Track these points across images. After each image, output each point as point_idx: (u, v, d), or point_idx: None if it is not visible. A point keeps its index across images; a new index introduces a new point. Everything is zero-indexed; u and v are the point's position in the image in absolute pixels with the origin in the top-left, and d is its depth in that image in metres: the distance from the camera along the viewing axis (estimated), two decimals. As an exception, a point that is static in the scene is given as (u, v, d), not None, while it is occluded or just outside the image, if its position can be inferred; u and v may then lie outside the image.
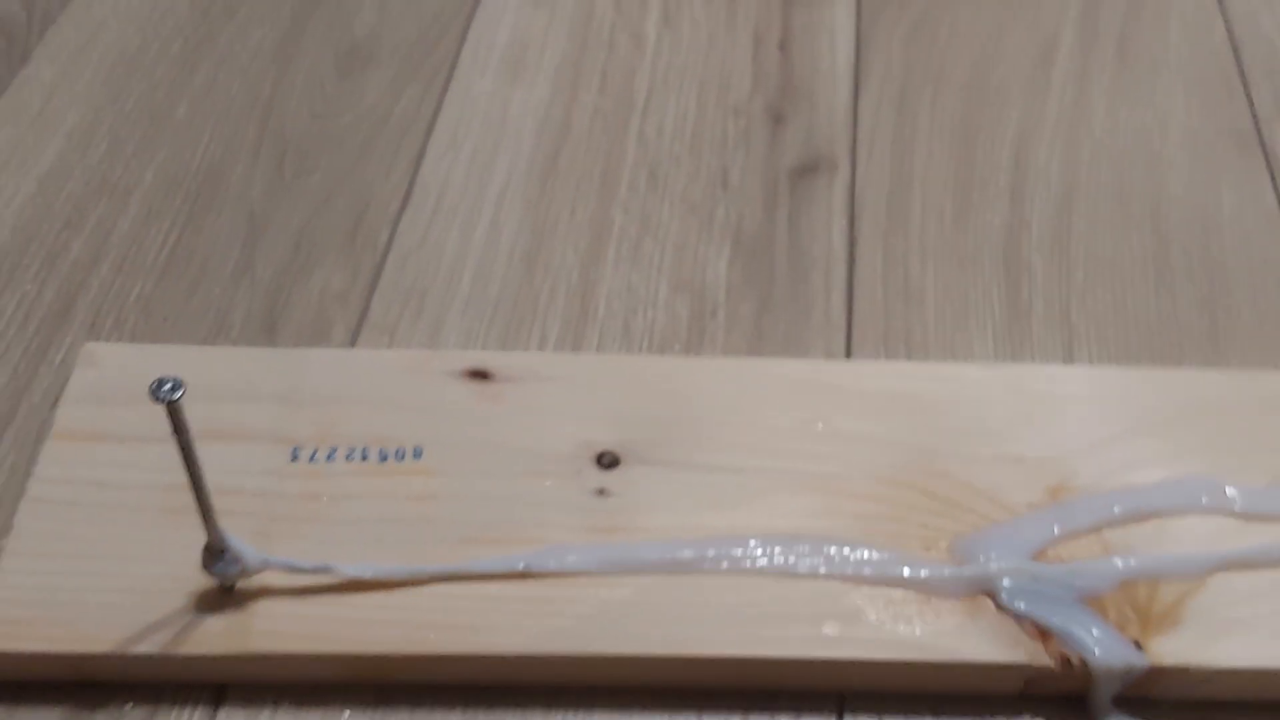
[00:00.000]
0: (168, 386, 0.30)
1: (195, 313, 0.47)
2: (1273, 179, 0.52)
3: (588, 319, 0.47)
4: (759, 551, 0.38)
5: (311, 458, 0.40)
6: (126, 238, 0.49)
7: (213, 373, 0.42)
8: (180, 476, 0.38)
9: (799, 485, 0.40)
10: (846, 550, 0.38)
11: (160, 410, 0.41)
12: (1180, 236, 0.50)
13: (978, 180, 0.53)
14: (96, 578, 0.37)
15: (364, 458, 0.40)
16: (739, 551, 0.38)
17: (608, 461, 0.41)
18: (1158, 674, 0.36)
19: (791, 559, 0.38)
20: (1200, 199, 0.52)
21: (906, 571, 0.38)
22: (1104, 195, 0.52)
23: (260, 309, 0.47)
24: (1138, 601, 0.37)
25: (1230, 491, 0.40)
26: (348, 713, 0.37)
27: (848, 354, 0.46)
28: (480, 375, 0.43)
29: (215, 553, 0.35)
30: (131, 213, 0.50)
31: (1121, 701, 0.37)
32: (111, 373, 0.42)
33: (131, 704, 0.37)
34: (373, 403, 0.42)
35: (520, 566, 0.38)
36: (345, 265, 0.48)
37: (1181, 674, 0.36)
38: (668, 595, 0.38)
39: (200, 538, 0.36)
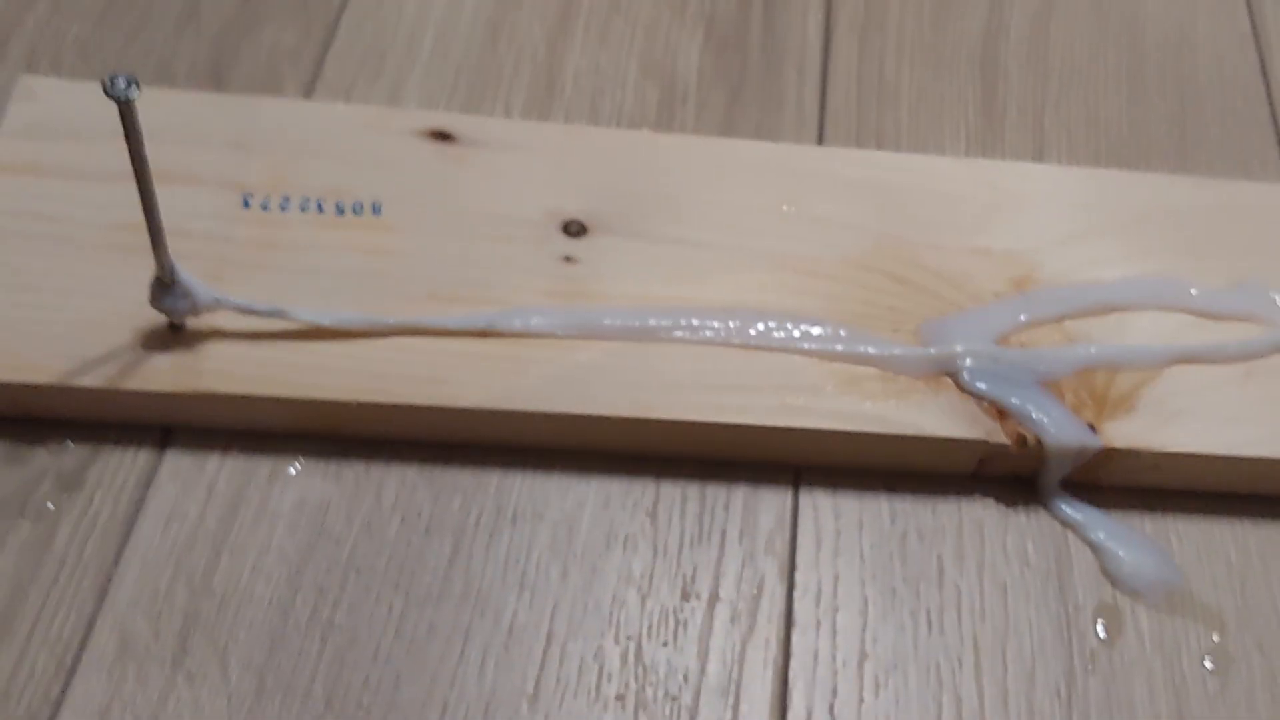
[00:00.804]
0: (123, 82, 0.28)
1: (136, 59, 0.44)
2: (1248, 1, 0.52)
3: (553, 95, 0.46)
4: (727, 323, 0.38)
5: (264, 205, 0.38)
6: (62, -25, 0.46)
7: (159, 114, 0.39)
8: (128, 214, 0.36)
9: (768, 263, 0.40)
10: (813, 326, 0.38)
11: (104, 147, 0.39)
12: (1155, 53, 0.50)
13: (957, -16, 0.51)
14: (38, 310, 0.35)
15: (320, 209, 0.39)
16: (706, 322, 0.38)
17: (575, 230, 0.40)
18: (1108, 456, 0.37)
19: (758, 332, 0.38)
20: (1177, 17, 0.51)
21: (872, 349, 0.38)
22: (1083, 8, 0.51)
23: (206, 61, 0.44)
24: (1094, 388, 0.38)
25: (1190, 290, 0.40)
26: (299, 462, 0.36)
27: (819, 145, 0.45)
28: (443, 136, 0.41)
29: (164, 285, 0.34)
30: (67, -49, 0.46)
31: (1069, 484, 0.38)
32: (50, 108, 0.40)
33: (72, 441, 0.36)
34: (329, 155, 0.40)
35: (484, 324, 0.37)
36: (297, 21, 0.46)
37: (1131, 456, 0.37)
38: (633, 361, 0.37)
39: (148, 277, 0.35)
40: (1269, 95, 0.49)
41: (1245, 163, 0.47)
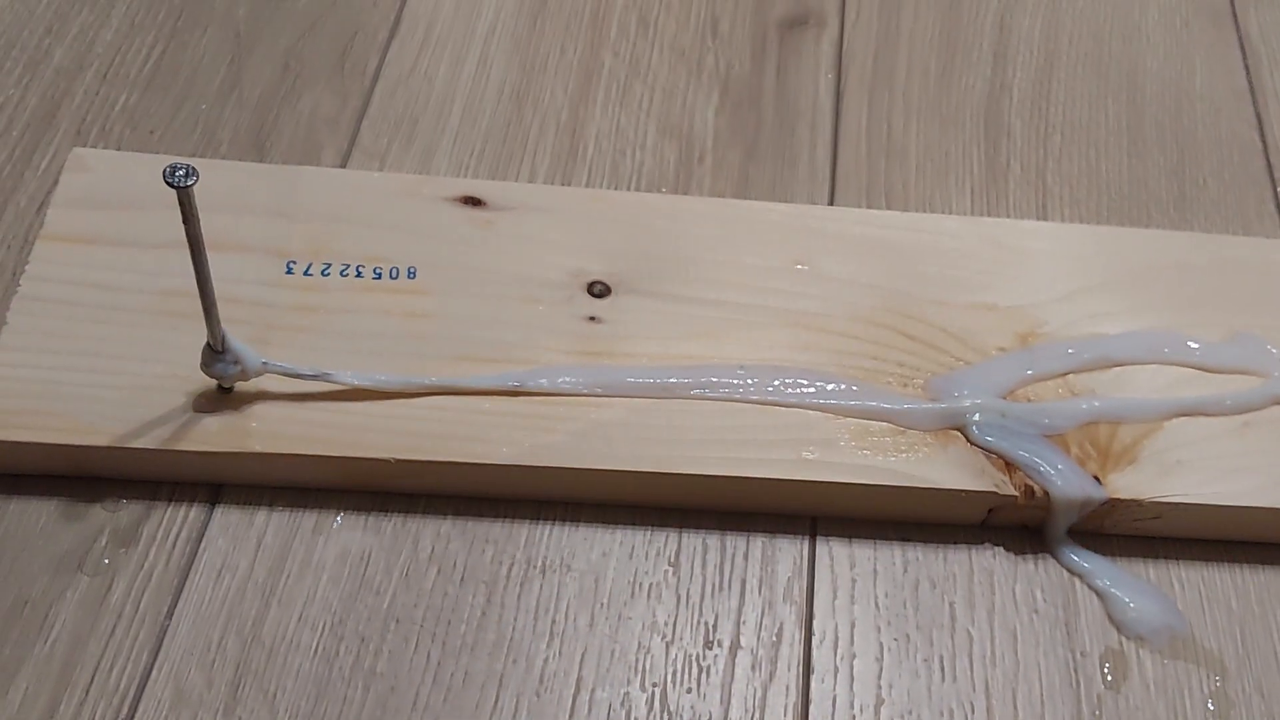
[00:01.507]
0: (181, 172, 0.30)
1: (182, 127, 0.46)
2: (1244, 57, 0.54)
3: (576, 157, 0.48)
4: (746, 380, 0.40)
5: (306, 271, 0.41)
6: (110, 48, 0.48)
7: (206, 183, 0.41)
8: (177, 282, 0.38)
9: (782, 321, 0.41)
10: (827, 383, 0.40)
11: (155, 216, 0.41)
12: (1153, 108, 0.52)
13: (962, 43, 0.53)
14: (94, 374, 0.37)
15: (358, 274, 0.41)
16: (726, 379, 0.40)
17: (599, 290, 0.42)
18: (1113, 506, 0.38)
19: (774, 389, 0.40)
20: (1175, 73, 0.53)
21: (883, 404, 0.39)
22: (1083, 64, 0.53)
23: (248, 128, 0.47)
24: (1098, 440, 0.40)
25: (1189, 344, 0.42)
26: (340, 516, 0.38)
27: (831, 204, 0.47)
28: (474, 202, 0.43)
29: (215, 352, 0.36)
30: (114, 24, 0.49)
31: (1075, 533, 0.40)
32: (101, 178, 0.42)
33: (127, 500, 0.38)
34: (366, 223, 0.42)
35: (514, 384, 0.39)
36: (334, 90, 0.48)
37: (1135, 507, 0.39)
38: (655, 417, 0.39)
39: (198, 342, 0.37)
40: (1265, 149, 0.51)
41: (1243, 215, 0.49)
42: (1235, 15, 0.55)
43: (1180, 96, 0.52)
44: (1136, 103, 0.52)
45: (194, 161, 0.44)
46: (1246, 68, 0.54)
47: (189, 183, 0.31)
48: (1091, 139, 0.51)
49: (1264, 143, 0.51)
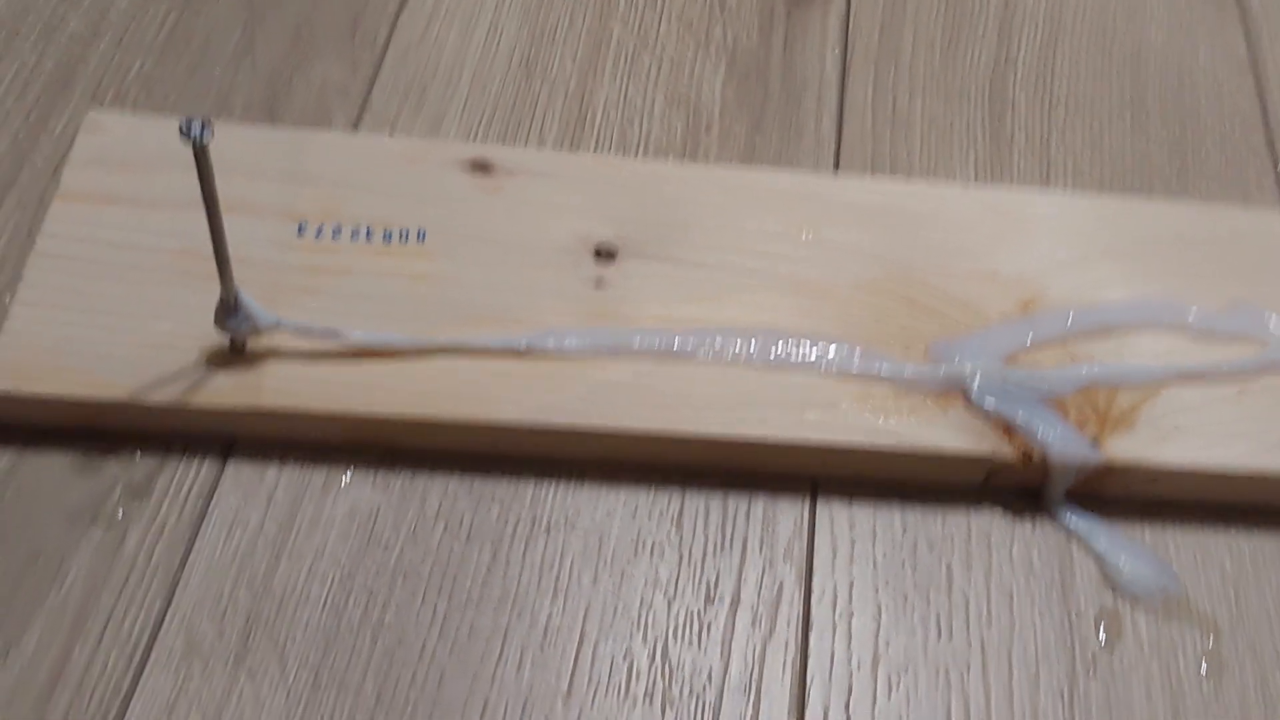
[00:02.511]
0: (199, 126, 0.31)
1: (196, 93, 0.47)
2: (1246, 33, 0.54)
3: (584, 125, 0.48)
4: (748, 343, 0.40)
5: (317, 234, 0.41)
6: (125, 14, 0.48)
7: (219, 146, 0.42)
8: (190, 242, 0.39)
9: (786, 286, 0.42)
10: (830, 346, 0.40)
11: (169, 178, 0.42)
12: (1156, 82, 0.52)
13: (967, 17, 0.54)
14: (109, 331, 0.38)
15: (368, 237, 0.41)
16: (729, 343, 0.40)
17: (605, 254, 0.42)
18: (1109, 470, 0.39)
19: (777, 352, 0.40)
20: (1178, 48, 0.53)
21: (885, 368, 0.40)
22: (1088, 39, 0.54)
23: (261, 94, 0.47)
24: (1096, 405, 0.40)
25: (1187, 312, 0.42)
26: (350, 472, 0.39)
27: (835, 172, 0.48)
28: (482, 167, 0.44)
29: (228, 309, 0.36)
30: (128, -10, 0.49)
31: (1073, 496, 0.40)
32: (116, 140, 0.42)
33: (141, 454, 0.38)
34: (376, 186, 0.43)
35: (522, 345, 0.39)
36: (345, 58, 0.49)
37: (1131, 470, 0.39)
38: (661, 379, 0.39)
39: (210, 301, 0.37)
40: (1266, 122, 0.51)
41: (1243, 187, 0.49)
42: (1240, -9, 0.56)
43: (1183, 70, 0.53)
44: (1140, 76, 0.52)
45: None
46: (1248, 41, 0.54)
47: (205, 139, 0.31)
48: (1095, 112, 0.51)
49: (1265, 116, 0.51)
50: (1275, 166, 0.50)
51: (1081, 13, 0.54)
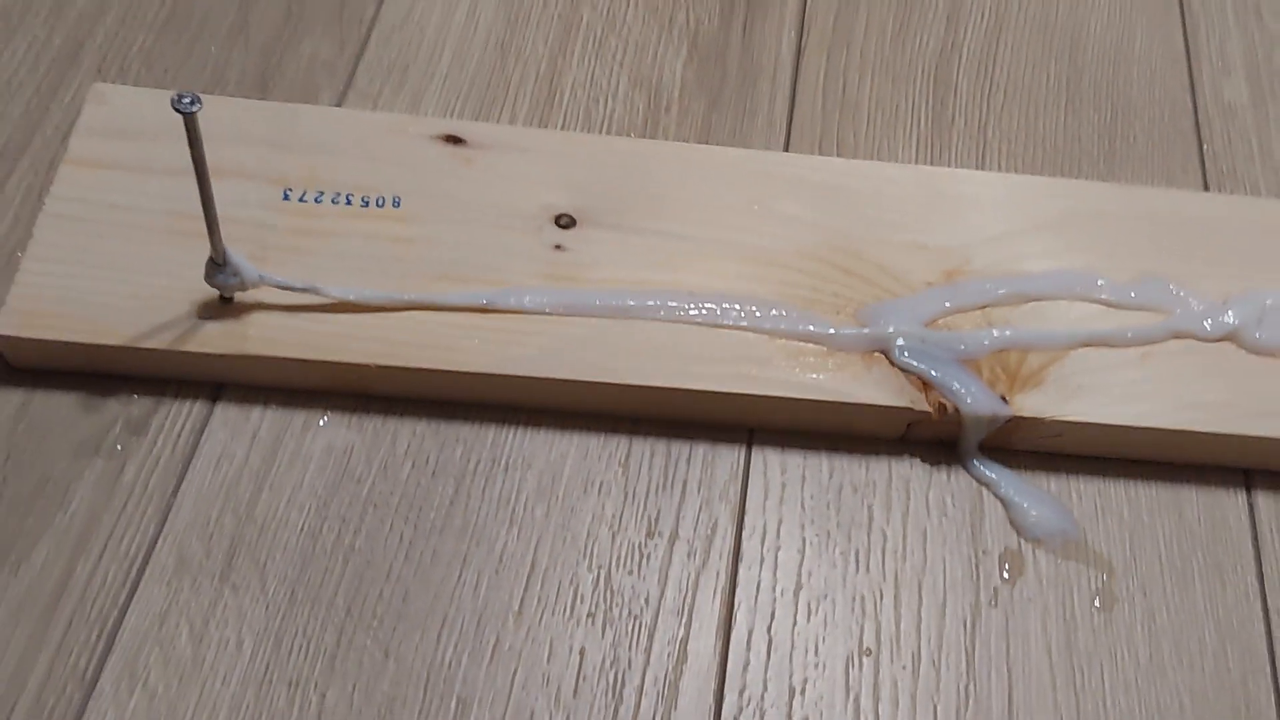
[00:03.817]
0: (188, 99, 0.35)
1: (193, 68, 0.51)
2: (1184, 24, 0.58)
3: (553, 104, 0.52)
4: (693, 304, 0.44)
5: (301, 198, 0.45)
6: (129, -6, 0.52)
7: (213, 117, 0.46)
8: (184, 205, 0.43)
9: (733, 254, 0.46)
10: (767, 308, 0.44)
11: (166, 146, 0.45)
12: (1093, 70, 0.56)
13: (918, 6, 0.57)
14: (110, 283, 0.42)
15: (348, 202, 0.45)
16: (676, 303, 0.44)
17: (565, 222, 0.46)
18: (1018, 424, 0.43)
19: (720, 312, 0.44)
20: (1116, 37, 0.57)
21: (816, 328, 0.44)
22: (1030, 28, 0.57)
23: (254, 70, 0.51)
24: (1008, 365, 0.44)
25: (1099, 283, 0.46)
26: (327, 416, 0.43)
27: (786, 151, 0.52)
28: (455, 140, 0.47)
29: (218, 264, 0.40)
30: (132, -29, 0.53)
31: (985, 449, 0.44)
32: (120, 111, 0.46)
33: (139, 395, 0.42)
34: (357, 156, 0.46)
35: (484, 301, 0.43)
36: (333, 36, 0.52)
37: (1038, 425, 0.43)
38: (612, 335, 0.43)
39: (202, 258, 0.41)
40: (1195, 110, 0.55)
41: (1168, 170, 0.53)
42: (1179, -15, 0.59)
43: (1119, 59, 0.56)
44: (1077, 64, 0.56)
45: (203, 97, 0.48)
46: (1185, 34, 0.58)
47: (194, 109, 0.35)
48: (1032, 97, 0.55)
49: (1194, 104, 0.55)
50: (1201, 150, 0.53)
51: (1027, 2, 0.58)
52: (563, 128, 0.51)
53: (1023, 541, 0.42)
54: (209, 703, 0.37)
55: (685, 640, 0.40)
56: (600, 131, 0.51)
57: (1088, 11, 0.58)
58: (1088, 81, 0.55)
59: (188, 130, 0.36)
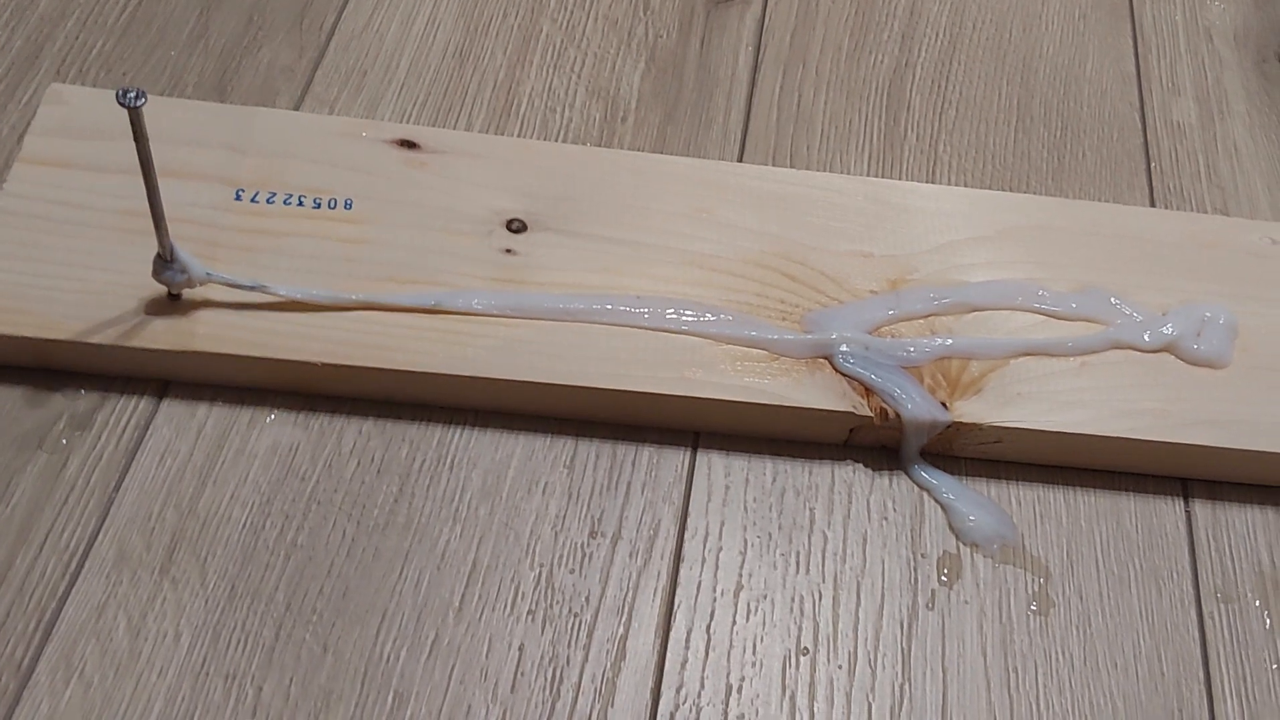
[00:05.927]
0: (133, 94, 0.35)
1: (153, 72, 0.51)
2: (1135, 45, 0.59)
3: (510, 113, 0.53)
4: (640, 308, 0.45)
5: (253, 199, 0.45)
6: (90, -2, 0.53)
7: (169, 120, 0.47)
8: (135, 204, 0.43)
9: (680, 259, 0.46)
10: (713, 313, 0.45)
11: (120, 146, 0.46)
12: (1044, 89, 0.57)
13: (874, 24, 0.58)
14: (60, 279, 0.42)
15: (300, 203, 0.46)
16: (623, 307, 0.45)
17: (516, 227, 0.47)
18: (958, 429, 0.43)
19: (666, 317, 0.45)
20: (1068, 58, 0.58)
21: (761, 334, 0.44)
22: (983, 48, 0.58)
23: (212, 75, 0.51)
24: (949, 373, 0.45)
25: (1040, 293, 0.47)
26: (273, 414, 0.43)
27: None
28: (409, 145, 0.48)
29: (165, 261, 0.41)
30: (95, -23, 0.54)
31: (928, 455, 0.45)
32: (75, 111, 0.47)
33: (84, 390, 0.43)
34: (310, 159, 0.47)
35: (432, 302, 0.44)
36: (292, 43, 0.53)
37: (977, 431, 0.43)
38: (559, 337, 0.44)
39: (151, 256, 0.41)
40: (1144, 129, 0.56)
41: (1115, 187, 0.54)
42: (1132, 7, 0.60)
43: (1070, 79, 0.57)
44: (1029, 84, 0.57)
45: (160, 100, 0.49)
46: (1136, 55, 0.59)
47: (139, 103, 0.35)
48: (983, 115, 0.55)
49: (1143, 123, 0.56)
50: (1148, 168, 0.54)
51: (981, 23, 0.59)
52: (519, 136, 0.52)
53: (961, 545, 0.43)
54: (144, 694, 0.37)
55: (624, 638, 0.40)
56: (556, 141, 0.52)
57: (1041, 33, 0.59)
58: (1039, 100, 0.56)
59: (133, 125, 0.36)
